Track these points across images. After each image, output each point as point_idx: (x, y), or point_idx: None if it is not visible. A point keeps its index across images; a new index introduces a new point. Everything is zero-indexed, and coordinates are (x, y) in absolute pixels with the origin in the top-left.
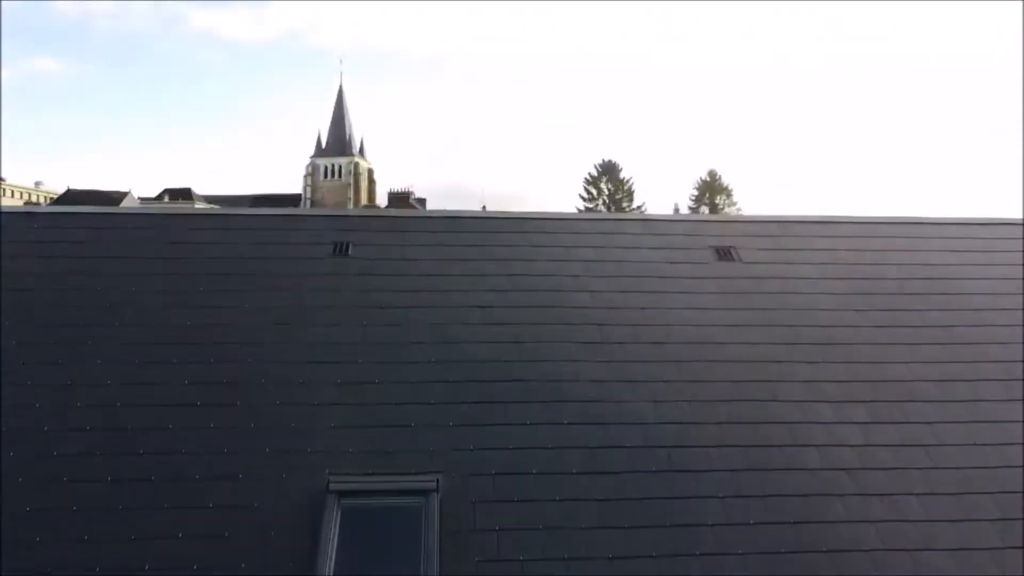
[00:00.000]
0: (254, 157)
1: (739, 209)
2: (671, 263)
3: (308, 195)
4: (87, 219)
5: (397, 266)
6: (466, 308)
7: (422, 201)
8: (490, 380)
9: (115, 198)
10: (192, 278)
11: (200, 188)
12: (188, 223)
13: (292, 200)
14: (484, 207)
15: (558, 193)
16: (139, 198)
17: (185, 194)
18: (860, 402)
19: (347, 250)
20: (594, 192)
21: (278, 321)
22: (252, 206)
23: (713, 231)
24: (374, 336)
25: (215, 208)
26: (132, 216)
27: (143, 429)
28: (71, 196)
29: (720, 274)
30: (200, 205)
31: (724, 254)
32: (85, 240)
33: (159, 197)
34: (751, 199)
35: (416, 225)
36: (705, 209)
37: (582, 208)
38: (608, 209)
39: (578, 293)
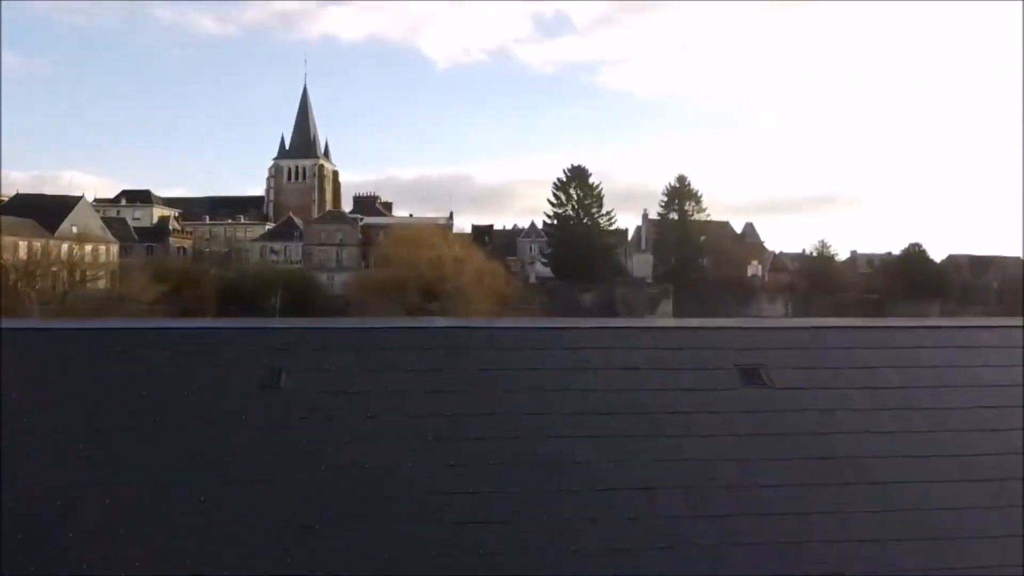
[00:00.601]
0: (217, 157)
1: (708, 216)
2: (688, 390)
3: (271, 198)
4: None
5: (342, 402)
6: (425, 460)
7: (388, 205)
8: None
9: (68, 203)
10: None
11: (160, 189)
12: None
13: (254, 203)
14: (452, 214)
15: (532, 193)
16: (95, 200)
17: (144, 196)
18: None
19: (279, 380)
20: (563, 197)
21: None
22: (212, 208)
23: (737, 341)
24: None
25: (128, 325)
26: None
27: None
28: (19, 202)
29: (749, 406)
30: (159, 207)
31: (753, 377)
32: None
33: (117, 199)
34: (722, 205)
35: (369, 339)
36: (674, 215)
37: (550, 214)
38: (577, 215)
39: (571, 442)
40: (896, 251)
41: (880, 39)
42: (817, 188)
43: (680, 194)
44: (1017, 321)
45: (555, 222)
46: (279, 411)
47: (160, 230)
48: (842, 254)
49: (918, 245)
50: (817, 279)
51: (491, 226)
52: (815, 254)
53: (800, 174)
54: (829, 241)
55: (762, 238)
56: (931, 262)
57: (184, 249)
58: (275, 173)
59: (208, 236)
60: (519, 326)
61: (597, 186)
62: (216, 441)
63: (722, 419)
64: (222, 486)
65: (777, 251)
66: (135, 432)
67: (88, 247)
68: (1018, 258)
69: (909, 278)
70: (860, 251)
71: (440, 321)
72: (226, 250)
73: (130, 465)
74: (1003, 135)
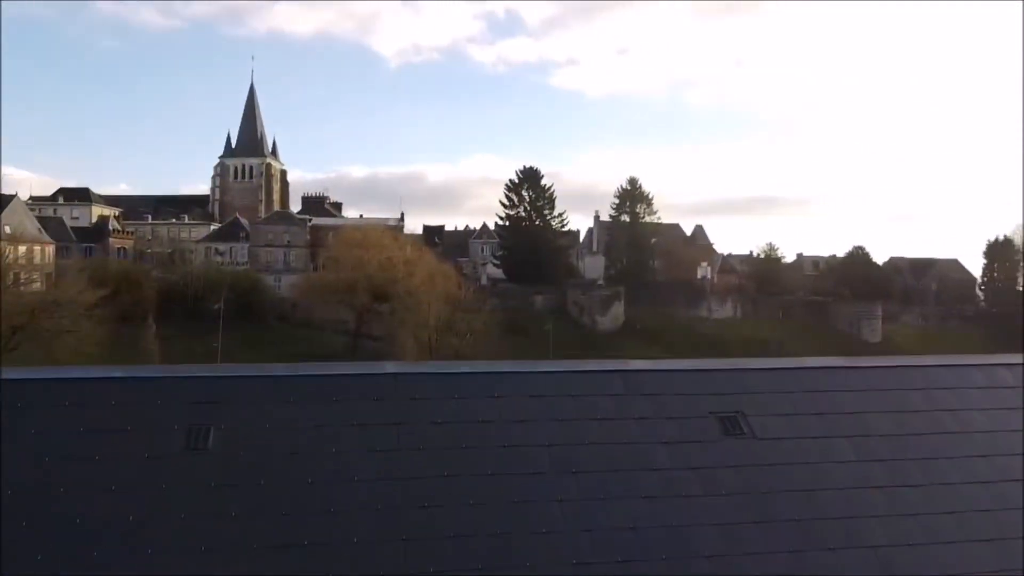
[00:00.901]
0: (161, 154)
1: (659, 218)
2: (665, 444)
3: (217, 197)
4: None
5: (279, 465)
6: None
7: (338, 205)
8: None
9: (1, 201)
10: None
11: (100, 187)
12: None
13: (199, 202)
14: (402, 214)
15: (484, 192)
16: (30, 198)
17: (82, 195)
18: None
19: (206, 439)
20: (515, 199)
21: None
22: (155, 207)
23: (713, 385)
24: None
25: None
26: None
27: None
28: None
29: (730, 459)
30: (99, 206)
31: (732, 426)
32: None
33: (53, 197)
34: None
35: (311, 389)
36: (626, 217)
37: (502, 216)
38: (529, 217)
39: (537, 508)
40: (840, 253)
41: (820, 43)
42: (761, 190)
43: (631, 196)
44: (1006, 359)
45: (507, 224)
46: (205, 477)
47: (99, 230)
48: (788, 256)
49: (861, 248)
50: (764, 281)
51: (442, 227)
52: (762, 256)
53: (745, 176)
54: (776, 243)
55: (711, 240)
56: (874, 264)
57: (125, 250)
58: (221, 172)
59: (150, 236)
60: (476, 371)
61: (549, 188)
62: (131, 514)
63: (700, 477)
64: (137, 567)
65: (725, 253)
66: (33, 507)
67: (22, 248)
68: (956, 260)
69: (853, 280)
70: (806, 253)
71: (390, 367)
72: (169, 251)
73: (26, 548)
74: (943, 138)
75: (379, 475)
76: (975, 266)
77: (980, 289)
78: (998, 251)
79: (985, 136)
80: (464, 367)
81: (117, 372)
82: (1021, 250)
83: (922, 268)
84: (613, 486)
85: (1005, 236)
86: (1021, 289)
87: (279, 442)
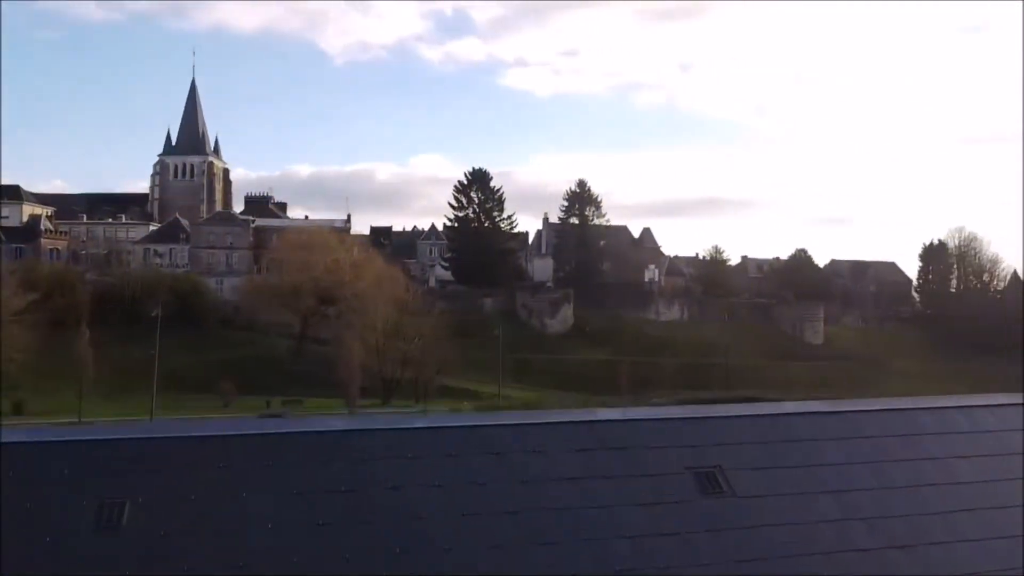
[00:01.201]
0: (98, 151)
1: (607, 220)
2: (639, 506)
3: (156, 196)
4: None
5: (207, 548)
6: None
7: (283, 206)
8: None
9: None
10: None
11: (32, 184)
12: None
13: (137, 201)
14: (349, 216)
15: (432, 192)
16: None
17: (12, 192)
18: None
19: (120, 517)
20: (464, 201)
21: None
22: (90, 206)
23: (687, 437)
24: None
25: None
26: None
27: None
28: None
29: (708, 522)
30: (30, 204)
31: (710, 483)
32: None
33: None
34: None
35: (245, 449)
36: (575, 219)
37: (451, 217)
38: (478, 218)
39: None
40: (784, 256)
41: (762, 47)
42: (707, 192)
43: (580, 199)
44: (986, 399)
45: (456, 225)
46: (118, 563)
47: (31, 230)
48: (734, 259)
49: (804, 251)
50: (711, 283)
51: (390, 227)
52: (708, 258)
53: (691, 178)
54: (722, 246)
55: (658, 242)
56: (815, 267)
57: (58, 251)
58: (161, 170)
59: (85, 237)
60: (430, 426)
61: (498, 189)
62: None
63: (678, 543)
64: None
65: (672, 255)
66: None
67: None
68: (893, 263)
69: (796, 283)
70: (750, 255)
71: (337, 423)
72: (105, 252)
73: None
74: (882, 142)
75: (321, 554)
76: (911, 269)
77: (916, 291)
78: (933, 254)
79: (922, 141)
80: (417, 422)
81: (16, 436)
82: (954, 253)
83: (861, 271)
84: (584, 560)
85: (939, 240)
86: (954, 291)
87: (205, 518)
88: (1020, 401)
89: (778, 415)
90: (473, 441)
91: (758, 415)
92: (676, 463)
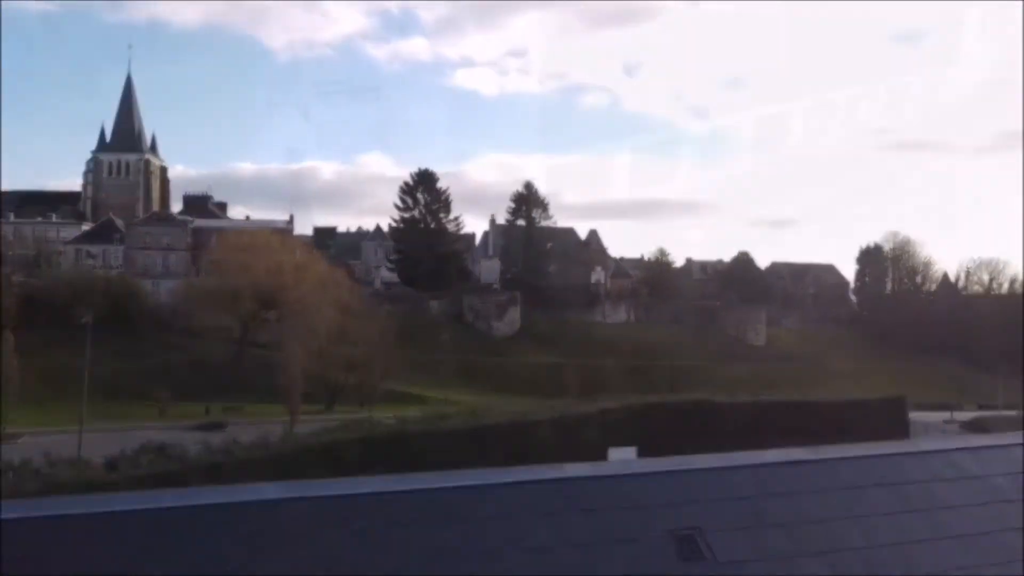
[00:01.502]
0: (27, 146)
1: (554, 222)
2: None
3: (89, 194)
4: None
5: None
6: None
7: (223, 206)
8: None
9: None
10: None
11: None
12: None
13: (69, 199)
14: (292, 216)
15: (377, 192)
16: None
17: None
18: None
19: None
20: (410, 202)
21: None
22: (18, 204)
23: (664, 493)
24: None
25: None
26: None
27: None
28: None
29: None
30: None
31: (690, 548)
32: None
33: None
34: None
35: (150, 526)
36: (522, 221)
37: (397, 218)
38: (424, 220)
39: None
40: (727, 258)
41: (706, 51)
42: (651, 194)
43: (527, 200)
44: (966, 442)
45: (401, 226)
46: None
47: None
48: (678, 261)
49: (746, 253)
50: (656, 286)
51: (334, 228)
52: (653, 261)
53: (636, 180)
54: (667, 248)
55: (605, 244)
56: (757, 270)
57: None
58: (94, 167)
59: (12, 237)
60: (372, 490)
61: (444, 191)
62: None
63: None
64: None
65: (618, 257)
66: None
67: None
68: (831, 266)
69: (739, 285)
70: (695, 258)
71: (271, 491)
72: (34, 253)
73: None
74: (823, 145)
75: None
76: (848, 271)
77: (852, 293)
78: (869, 257)
79: (860, 146)
80: (368, 485)
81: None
82: (889, 256)
83: (800, 273)
84: None
85: (875, 243)
86: (889, 292)
87: None
88: (1019, 441)
89: (758, 465)
90: (421, 503)
91: (738, 466)
92: (654, 524)
